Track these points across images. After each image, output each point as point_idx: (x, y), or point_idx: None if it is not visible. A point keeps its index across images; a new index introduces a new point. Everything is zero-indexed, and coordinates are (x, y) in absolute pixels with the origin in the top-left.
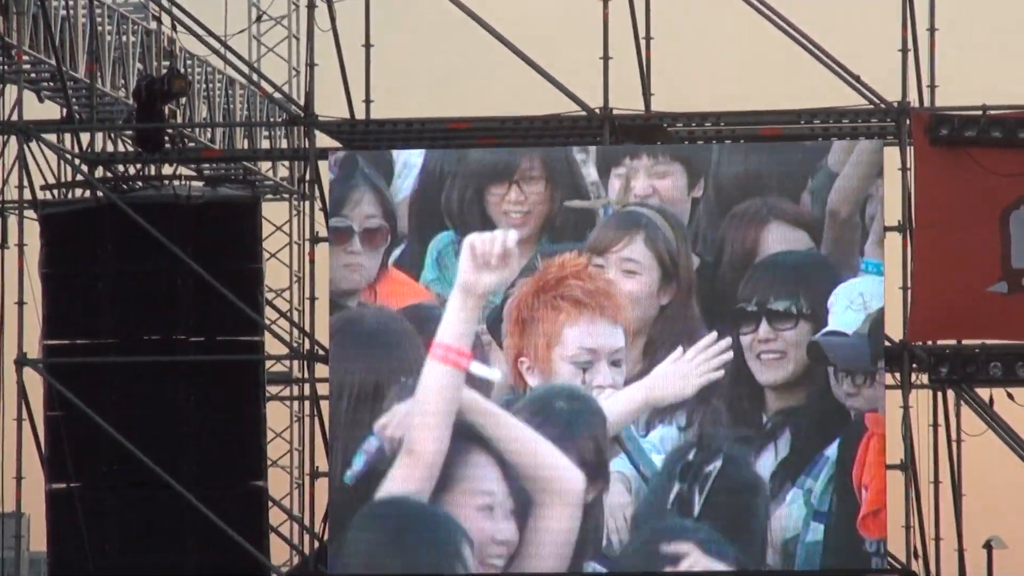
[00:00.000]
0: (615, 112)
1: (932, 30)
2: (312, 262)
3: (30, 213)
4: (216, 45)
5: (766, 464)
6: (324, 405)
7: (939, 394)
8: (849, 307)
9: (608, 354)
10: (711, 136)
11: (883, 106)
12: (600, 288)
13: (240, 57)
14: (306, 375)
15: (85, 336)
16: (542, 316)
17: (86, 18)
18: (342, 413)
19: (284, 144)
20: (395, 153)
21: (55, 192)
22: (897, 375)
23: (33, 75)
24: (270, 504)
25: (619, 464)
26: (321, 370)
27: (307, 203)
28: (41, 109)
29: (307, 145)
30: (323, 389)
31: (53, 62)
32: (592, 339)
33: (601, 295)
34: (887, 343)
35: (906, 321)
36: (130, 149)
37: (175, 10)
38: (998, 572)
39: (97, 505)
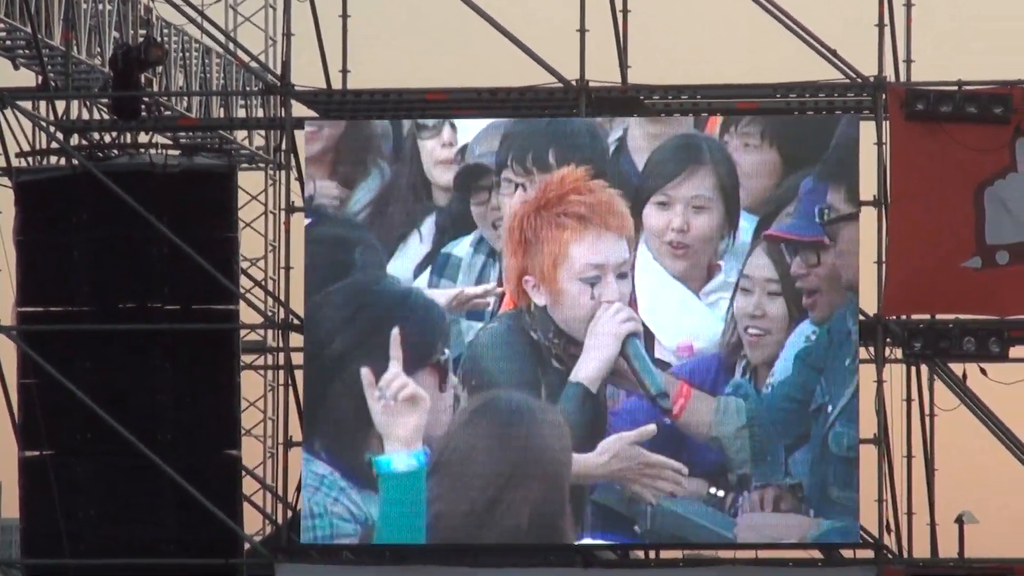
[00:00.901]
0: (591, 84)
1: (908, 5)
2: (287, 231)
3: (4, 180)
4: (193, 14)
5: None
6: (298, 374)
7: (913, 369)
8: None
9: (615, 267)
10: (687, 109)
11: (859, 80)
12: (603, 201)
13: (217, 26)
14: (280, 344)
15: (59, 303)
16: (546, 235)
17: None
18: None
19: (260, 113)
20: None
21: (30, 159)
22: (871, 349)
23: (8, 42)
24: (243, 473)
25: None
26: (296, 339)
27: (283, 172)
28: (16, 76)
29: (283, 114)
30: (297, 359)
31: (28, 29)
32: (599, 254)
33: (604, 208)
34: (861, 317)
35: (880, 295)
36: (106, 117)
37: None
38: (969, 547)
39: (70, 473)
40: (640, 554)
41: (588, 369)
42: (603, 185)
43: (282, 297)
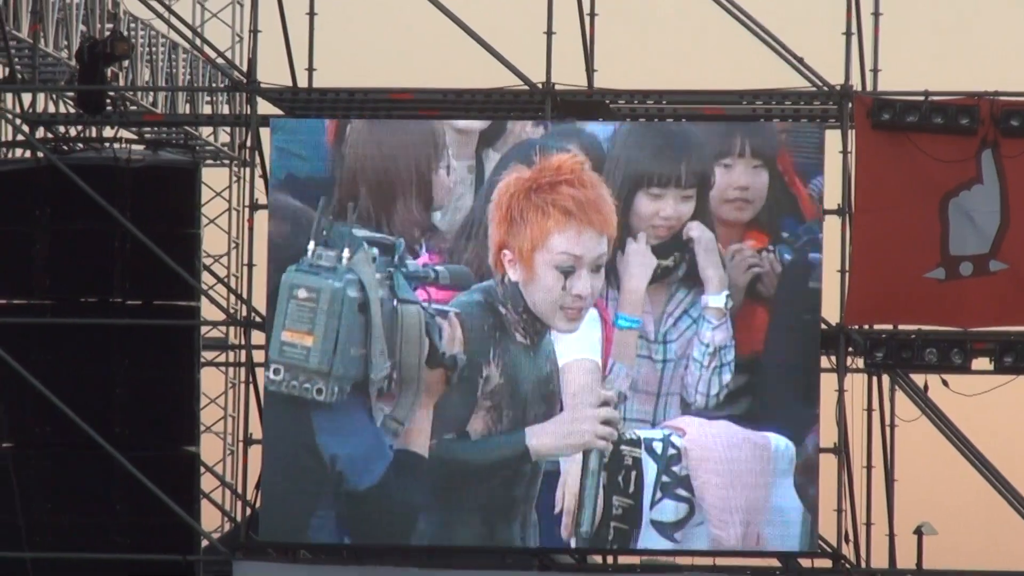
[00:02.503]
0: (557, 87)
1: (876, 14)
2: (251, 229)
3: None
4: (160, 9)
5: None
6: (260, 372)
7: (874, 378)
8: None
9: (590, 261)
10: (653, 114)
11: (826, 89)
12: (591, 200)
13: (184, 21)
14: (242, 342)
15: (20, 296)
16: (531, 218)
17: None
18: None
19: (226, 110)
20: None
21: None
22: (833, 358)
23: None
24: (202, 470)
25: None
26: (257, 337)
27: (247, 169)
28: None
29: (249, 112)
30: (259, 356)
31: None
32: (577, 247)
33: (591, 208)
34: (823, 326)
35: (843, 304)
36: (71, 111)
37: None
38: (928, 558)
39: (28, 466)
40: (598, 559)
41: (543, 441)
42: (598, 180)
43: (244, 294)
